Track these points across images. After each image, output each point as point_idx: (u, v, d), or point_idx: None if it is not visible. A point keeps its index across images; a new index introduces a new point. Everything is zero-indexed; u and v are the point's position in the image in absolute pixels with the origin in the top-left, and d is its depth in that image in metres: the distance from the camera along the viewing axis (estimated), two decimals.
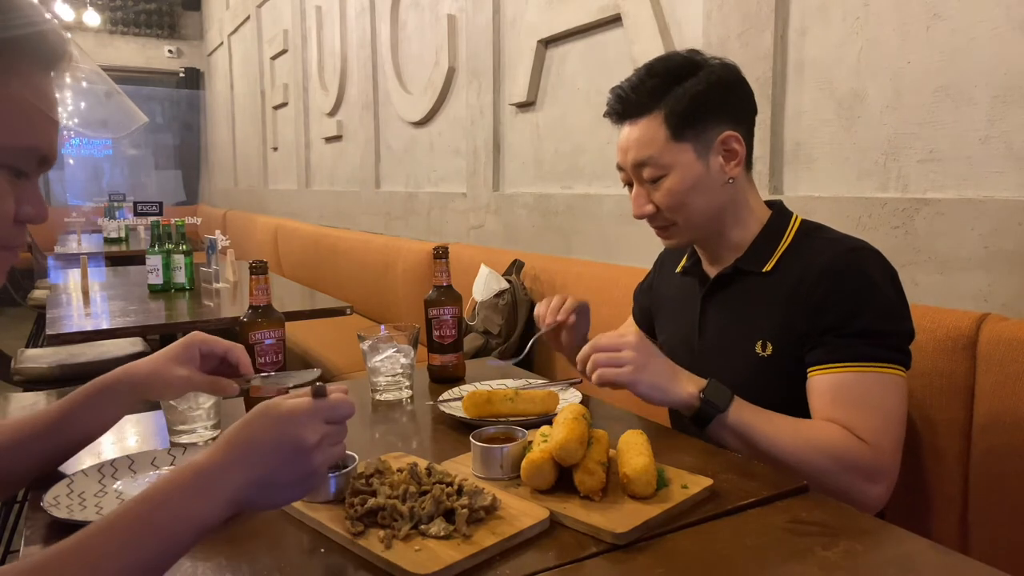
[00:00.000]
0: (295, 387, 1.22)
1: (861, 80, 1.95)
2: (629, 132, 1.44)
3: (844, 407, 1.29)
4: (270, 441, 0.84)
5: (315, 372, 1.30)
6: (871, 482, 1.26)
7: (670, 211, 1.45)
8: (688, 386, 1.32)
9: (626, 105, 1.45)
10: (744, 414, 1.30)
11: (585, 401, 1.57)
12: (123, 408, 1.21)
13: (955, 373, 1.52)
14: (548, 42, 3.20)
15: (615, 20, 2.79)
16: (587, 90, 3.01)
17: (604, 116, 1.50)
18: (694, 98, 1.40)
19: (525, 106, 3.40)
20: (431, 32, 4.18)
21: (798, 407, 1.34)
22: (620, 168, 1.49)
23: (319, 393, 0.91)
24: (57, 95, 0.85)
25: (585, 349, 1.36)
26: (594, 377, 1.32)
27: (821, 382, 1.33)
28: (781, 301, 1.39)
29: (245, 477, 0.81)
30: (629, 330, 1.85)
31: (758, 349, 1.41)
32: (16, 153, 0.79)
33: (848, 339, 1.31)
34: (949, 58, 1.75)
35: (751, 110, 1.48)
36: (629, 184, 1.49)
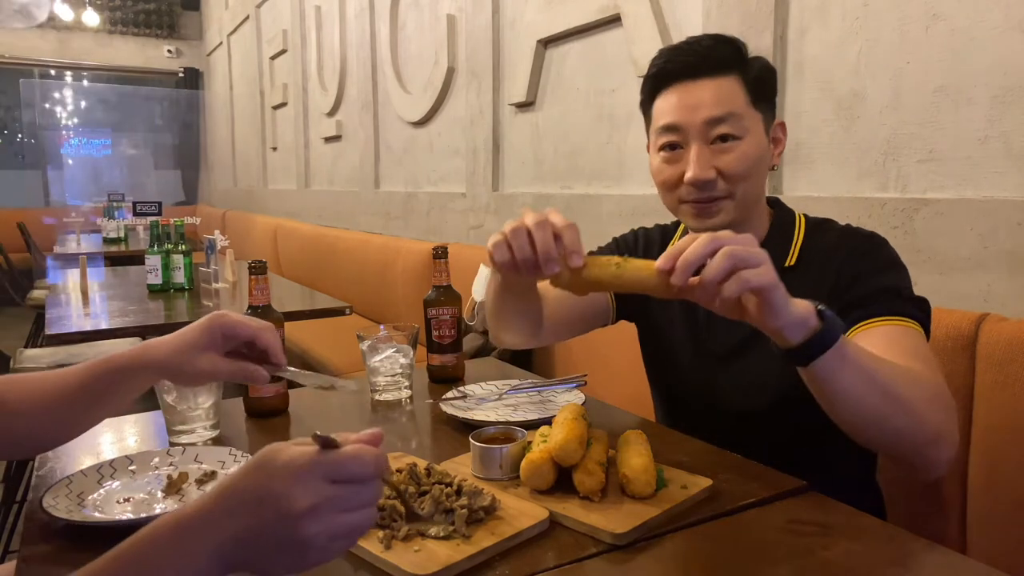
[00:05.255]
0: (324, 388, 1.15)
1: (861, 80, 1.95)
2: (698, 89, 1.33)
3: (904, 356, 1.13)
4: (255, 494, 0.69)
5: (350, 384, 1.18)
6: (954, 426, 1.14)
7: (735, 180, 1.33)
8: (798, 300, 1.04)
9: (698, 59, 1.34)
10: (849, 340, 1.06)
11: (585, 402, 1.55)
12: (140, 391, 1.15)
13: (954, 373, 1.51)
14: (547, 42, 3.20)
15: (614, 20, 2.79)
16: (586, 90, 3.01)
17: (650, 76, 1.40)
18: (763, 71, 1.37)
19: (524, 106, 3.40)
20: (430, 32, 4.18)
21: None
22: (672, 128, 1.35)
23: (326, 444, 0.72)
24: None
25: (667, 258, 0.99)
26: (732, 285, 0.96)
27: (868, 335, 1.19)
28: (806, 293, 1.33)
29: (230, 531, 0.69)
30: None
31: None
32: None
33: (888, 297, 1.24)
34: (949, 58, 1.75)
35: None
36: (670, 146, 1.37)
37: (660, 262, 0.99)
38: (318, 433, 0.72)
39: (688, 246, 0.98)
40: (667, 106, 1.37)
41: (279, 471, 0.69)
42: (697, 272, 0.98)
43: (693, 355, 1.49)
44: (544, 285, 1.50)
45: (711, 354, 1.46)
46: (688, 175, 1.33)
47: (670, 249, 0.99)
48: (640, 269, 1.01)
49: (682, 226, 1.57)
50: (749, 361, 1.40)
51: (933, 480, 1.18)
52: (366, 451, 0.73)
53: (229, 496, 0.70)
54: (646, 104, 1.45)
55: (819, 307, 1.03)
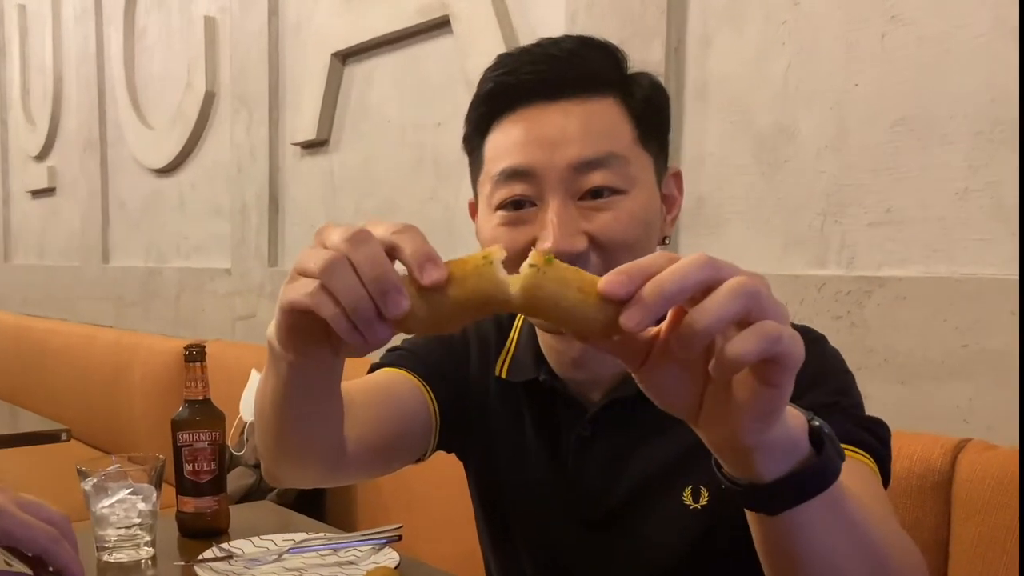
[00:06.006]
0: None
1: (789, 110, 1.93)
2: (559, 115, 1.24)
3: (875, 502, 1.07)
4: None
5: None
6: None
7: (614, 252, 1.21)
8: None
9: (558, 69, 1.25)
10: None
11: (400, 564, 1.60)
12: None
13: (923, 522, 1.50)
14: (346, 56, 3.21)
15: (441, 25, 2.79)
16: (401, 122, 3.02)
17: (483, 95, 1.30)
18: (652, 90, 1.29)
19: (314, 146, 3.41)
20: (181, 42, 4.20)
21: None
22: (518, 174, 1.24)
23: None
24: None
25: (654, 289, 0.76)
26: (750, 343, 0.73)
27: None
28: None
29: None
30: (398, 386, 1.49)
31: (687, 499, 1.30)
32: None
33: (832, 417, 1.04)
34: (914, 78, 1.73)
35: None
36: (514, 203, 1.26)
37: (609, 282, 0.74)
38: None
39: (662, 264, 0.74)
40: (509, 141, 1.26)
41: None
42: (658, 323, 0.77)
43: (551, 514, 1.43)
44: (347, 385, 1.22)
45: (578, 515, 1.41)
46: (545, 245, 1.21)
47: (628, 265, 0.75)
48: (568, 286, 0.75)
49: (520, 318, 1.47)
50: (635, 527, 1.37)
51: None
52: None
53: None
54: (474, 139, 1.34)
55: (813, 421, 0.87)
